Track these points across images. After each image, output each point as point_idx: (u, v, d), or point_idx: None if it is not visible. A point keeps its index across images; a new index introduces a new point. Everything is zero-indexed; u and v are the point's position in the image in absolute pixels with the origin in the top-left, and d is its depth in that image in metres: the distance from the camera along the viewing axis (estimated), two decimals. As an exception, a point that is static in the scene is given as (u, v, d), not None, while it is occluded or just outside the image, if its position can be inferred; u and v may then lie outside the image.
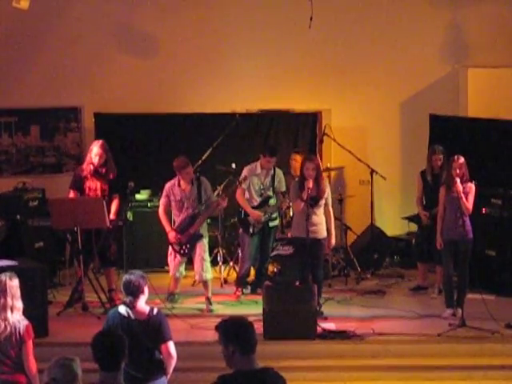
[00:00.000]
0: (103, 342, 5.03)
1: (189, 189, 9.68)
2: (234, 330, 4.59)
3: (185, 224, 9.66)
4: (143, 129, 12.08)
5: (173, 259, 9.75)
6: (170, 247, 9.76)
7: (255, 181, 10.05)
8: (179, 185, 9.68)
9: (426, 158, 10.16)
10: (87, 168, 9.70)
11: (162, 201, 9.79)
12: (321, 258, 9.40)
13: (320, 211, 9.25)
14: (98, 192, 9.68)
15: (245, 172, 10.06)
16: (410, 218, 11.36)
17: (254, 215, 10.01)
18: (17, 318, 6.30)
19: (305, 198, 9.04)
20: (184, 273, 10.08)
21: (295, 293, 8.68)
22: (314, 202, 9.14)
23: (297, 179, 9.41)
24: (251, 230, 10.06)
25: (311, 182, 9.04)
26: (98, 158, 9.64)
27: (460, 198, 8.93)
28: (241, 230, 10.29)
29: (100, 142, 9.87)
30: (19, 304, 6.35)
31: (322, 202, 9.25)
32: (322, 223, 9.26)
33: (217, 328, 4.65)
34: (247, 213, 10.06)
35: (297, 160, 10.51)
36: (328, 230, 9.34)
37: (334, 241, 9.45)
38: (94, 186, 9.69)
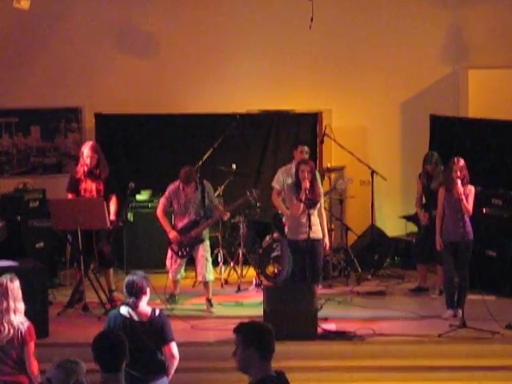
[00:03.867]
0: (104, 342, 5.03)
1: (193, 194, 9.66)
2: (256, 335, 4.54)
3: (187, 227, 9.65)
4: (144, 129, 12.08)
5: (173, 262, 9.73)
6: (170, 250, 9.74)
7: (289, 181, 10.01)
8: (183, 189, 9.64)
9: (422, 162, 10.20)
10: (81, 170, 9.72)
11: (163, 201, 9.75)
12: (319, 258, 9.39)
13: (316, 213, 9.26)
14: (94, 193, 9.70)
15: (278, 174, 10.05)
16: (409, 218, 11.37)
17: (289, 216, 9.95)
18: (19, 319, 6.31)
19: (303, 198, 9.04)
20: (184, 274, 10.08)
21: (296, 293, 8.67)
22: (310, 204, 9.13)
23: (292, 181, 9.43)
24: (286, 231, 10.02)
25: (308, 183, 9.04)
26: (89, 159, 9.66)
27: (461, 199, 8.93)
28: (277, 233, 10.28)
29: (90, 143, 9.90)
30: (21, 306, 6.36)
31: (319, 204, 9.26)
32: (318, 224, 9.27)
33: (236, 330, 4.59)
34: (282, 214, 10.04)
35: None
36: (322, 232, 9.34)
37: (328, 242, 9.45)
38: (89, 187, 9.71)
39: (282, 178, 10.03)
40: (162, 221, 9.74)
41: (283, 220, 10.06)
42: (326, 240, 9.39)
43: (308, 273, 9.10)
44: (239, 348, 4.52)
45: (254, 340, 4.50)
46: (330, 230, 9.48)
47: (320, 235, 9.26)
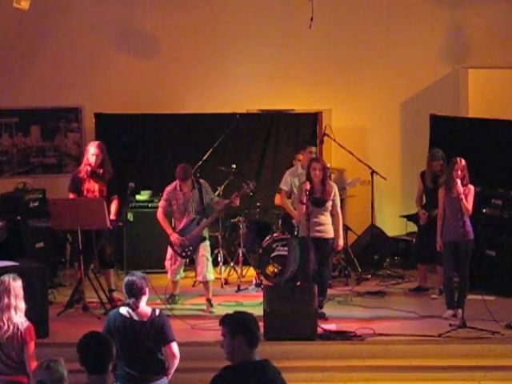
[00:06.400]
0: (89, 344, 5.02)
1: (190, 192, 9.65)
2: (243, 323, 4.72)
3: (188, 227, 9.64)
4: (143, 129, 12.08)
5: (173, 263, 9.72)
6: (170, 251, 9.73)
7: (297, 182, 9.97)
8: (181, 189, 9.65)
9: (426, 162, 10.18)
10: (84, 169, 9.69)
11: (162, 204, 9.74)
12: (327, 257, 9.39)
13: (327, 211, 9.24)
14: (96, 193, 9.67)
15: (286, 176, 10.03)
16: (409, 217, 11.37)
17: (296, 217, 9.89)
18: (20, 319, 6.32)
19: (304, 200, 9.01)
20: (183, 274, 10.08)
21: (296, 293, 8.67)
22: (320, 203, 9.12)
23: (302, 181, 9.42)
24: (295, 233, 9.97)
25: (308, 185, 9.02)
26: (95, 157, 9.64)
27: (460, 199, 8.94)
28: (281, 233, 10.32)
29: (96, 142, 9.91)
30: (22, 305, 6.38)
31: (329, 203, 9.23)
32: (329, 223, 9.24)
33: (223, 321, 4.77)
34: (290, 215, 10.01)
35: (300, 159, 10.43)
36: (335, 231, 9.33)
37: (341, 242, 9.45)
38: (91, 187, 9.68)
39: (289, 180, 10.01)
40: (163, 223, 9.72)
41: (292, 221, 10.03)
42: (340, 240, 9.38)
43: (315, 271, 9.09)
44: (227, 338, 4.70)
45: (241, 328, 4.69)
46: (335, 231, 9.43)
47: (330, 235, 9.24)
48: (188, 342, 8.24)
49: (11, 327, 6.26)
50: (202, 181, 9.83)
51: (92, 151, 9.65)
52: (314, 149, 10.12)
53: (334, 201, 9.28)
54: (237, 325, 4.72)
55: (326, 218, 9.23)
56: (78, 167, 9.95)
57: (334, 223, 9.30)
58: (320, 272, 9.18)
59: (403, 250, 11.70)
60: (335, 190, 9.34)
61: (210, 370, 7.98)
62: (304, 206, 9.02)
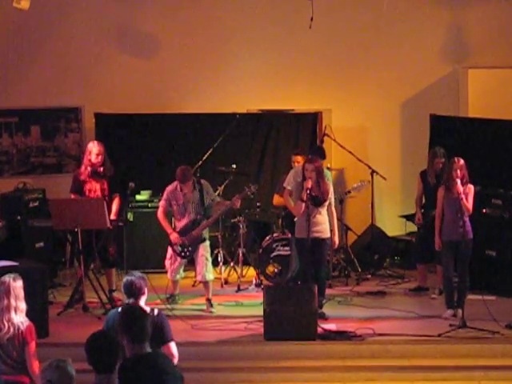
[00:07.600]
0: (98, 344, 5.02)
1: (191, 193, 9.65)
2: (123, 320, 4.99)
3: (187, 228, 9.64)
4: (143, 129, 12.08)
5: (172, 263, 9.72)
6: (170, 250, 9.73)
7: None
8: (181, 189, 9.64)
9: (427, 160, 10.19)
10: (85, 172, 9.68)
11: (162, 203, 9.74)
12: (324, 257, 9.39)
13: (324, 211, 9.24)
14: (99, 193, 9.68)
15: (290, 175, 10.01)
16: (408, 217, 11.37)
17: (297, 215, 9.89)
18: (20, 319, 6.32)
19: (304, 198, 9.03)
20: (183, 274, 10.08)
21: (296, 293, 8.67)
22: (317, 202, 9.13)
23: (300, 180, 9.41)
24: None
25: (310, 183, 9.03)
26: (100, 157, 9.64)
27: (460, 199, 8.94)
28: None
29: (96, 141, 9.94)
30: (22, 305, 6.38)
31: (326, 202, 9.24)
32: (325, 223, 9.25)
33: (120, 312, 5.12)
34: (292, 215, 10.02)
35: (298, 161, 10.45)
36: (331, 230, 9.33)
37: (337, 239, 9.46)
38: (93, 187, 9.69)
39: (293, 180, 9.99)
40: (163, 223, 9.73)
41: (295, 219, 10.04)
42: (336, 238, 9.39)
43: (313, 271, 9.09)
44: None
45: (122, 326, 4.99)
46: (330, 230, 9.42)
47: (327, 234, 9.25)
48: (188, 341, 8.25)
49: (11, 328, 6.26)
50: (203, 181, 9.82)
51: (95, 151, 9.65)
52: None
53: (329, 199, 9.29)
54: (121, 324, 4.97)
55: (323, 218, 9.24)
56: (79, 168, 9.93)
57: (330, 222, 9.31)
58: (317, 272, 9.17)
59: (403, 249, 11.70)
60: (331, 189, 9.35)
61: (210, 370, 8.06)
62: (303, 204, 9.02)
